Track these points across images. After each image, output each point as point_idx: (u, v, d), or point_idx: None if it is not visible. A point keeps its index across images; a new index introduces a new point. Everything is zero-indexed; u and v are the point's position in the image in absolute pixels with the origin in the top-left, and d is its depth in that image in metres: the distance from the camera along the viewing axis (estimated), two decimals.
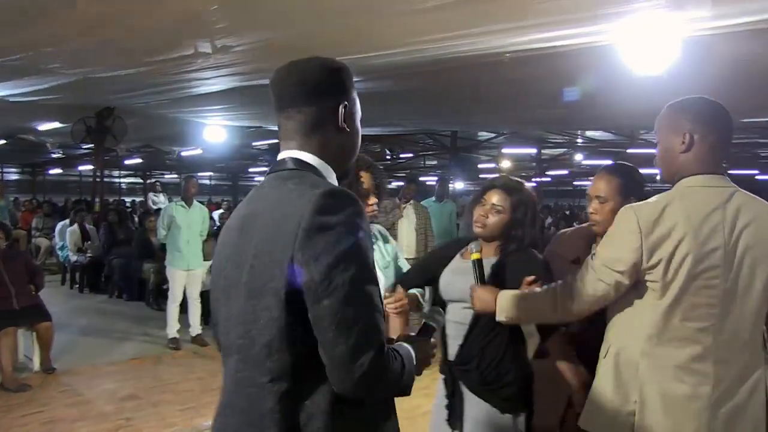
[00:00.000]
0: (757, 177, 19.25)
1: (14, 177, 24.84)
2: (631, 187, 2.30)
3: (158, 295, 8.24)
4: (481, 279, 2.14)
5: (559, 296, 1.93)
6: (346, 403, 1.25)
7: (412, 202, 7.05)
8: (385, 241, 2.56)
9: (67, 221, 10.21)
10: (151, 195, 14.76)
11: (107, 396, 4.84)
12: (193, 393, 4.97)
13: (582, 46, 4.75)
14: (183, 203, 6.51)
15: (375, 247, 2.41)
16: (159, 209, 13.57)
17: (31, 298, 5.45)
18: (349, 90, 1.47)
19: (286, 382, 1.26)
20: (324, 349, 1.21)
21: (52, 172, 22.94)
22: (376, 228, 2.55)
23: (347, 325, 1.19)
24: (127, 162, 19.08)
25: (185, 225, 6.38)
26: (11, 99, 8.07)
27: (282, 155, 1.44)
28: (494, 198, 2.31)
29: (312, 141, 1.42)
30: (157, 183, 15.30)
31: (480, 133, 14.62)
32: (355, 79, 4.97)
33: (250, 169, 24.19)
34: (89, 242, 9.74)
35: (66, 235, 9.83)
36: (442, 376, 2.37)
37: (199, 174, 25.84)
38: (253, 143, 14.59)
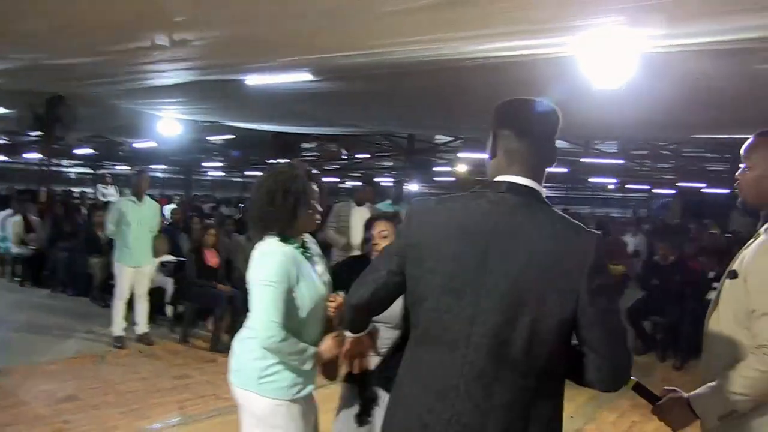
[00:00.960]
0: (702, 189, 19.85)
1: None
2: None
3: (104, 291, 7.99)
4: (653, 399, 1.96)
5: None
6: (559, 401, 1.63)
7: (367, 205, 6.98)
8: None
9: (10, 211, 9.82)
10: (100, 187, 14.34)
11: (45, 397, 4.64)
12: (136, 394, 4.81)
13: (544, 57, 4.81)
14: (133, 198, 6.29)
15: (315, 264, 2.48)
16: (108, 202, 13.27)
17: None
18: None
19: (533, 378, 1.54)
20: (601, 356, 1.55)
21: None
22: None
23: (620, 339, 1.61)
24: (77, 151, 18.52)
25: (135, 221, 6.17)
26: None
27: (525, 181, 1.64)
28: (381, 226, 2.80)
29: (538, 171, 1.68)
30: (107, 175, 14.87)
31: (437, 137, 14.68)
32: (313, 78, 4.89)
33: (204, 164, 23.77)
34: (33, 234, 9.38)
35: (8, 225, 9.45)
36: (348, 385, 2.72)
37: (152, 167, 25.23)
38: (208, 138, 14.34)
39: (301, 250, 2.41)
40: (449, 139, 14.44)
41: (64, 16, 4.43)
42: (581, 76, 4.99)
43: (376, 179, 18.46)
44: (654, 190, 24.69)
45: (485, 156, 1.76)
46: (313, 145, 16.93)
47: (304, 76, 6.30)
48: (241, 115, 10.06)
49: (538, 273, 1.53)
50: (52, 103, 9.16)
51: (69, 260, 8.62)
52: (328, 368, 2.42)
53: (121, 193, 15.65)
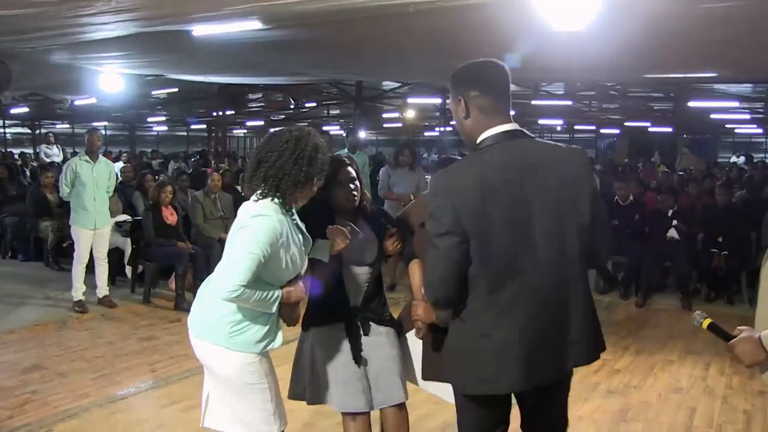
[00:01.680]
0: (649, 128, 20.30)
1: None
2: None
3: (58, 254, 7.78)
4: (727, 337, 2.03)
5: None
6: None
7: None
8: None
9: None
10: (43, 147, 13.79)
11: (8, 368, 4.51)
12: (104, 359, 4.73)
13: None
14: (87, 158, 6.03)
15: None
16: (53, 162, 12.78)
17: None
18: None
19: (584, 266, 2.04)
20: (604, 236, 2.10)
21: None
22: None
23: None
24: (12, 111, 17.67)
25: (91, 182, 5.95)
26: None
27: (512, 126, 1.99)
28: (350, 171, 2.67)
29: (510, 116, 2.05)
30: (50, 134, 14.29)
31: (384, 83, 14.54)
32: (260, 27, 4.73)
33: (149, 119, 23.06)
34: None
35: None
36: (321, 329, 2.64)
37: (95, 124, 24.35)
38: (153, 92, 13.85)
39: (293, 219, 2.36)
40: (397, 85, 14.31)
41: None
42: (539, 18, 4.97)
43: (324, 128, 18.31)
44: (601, 130, 25.07)
45: (454, 120, 2.10)
46: (259, 95, 16.58)
47: (253, 25, 6.09)
48: (188, 67, 9.71)
49: (568, 186, 1.95)
50: None
51: (18, 225, 8.31)
52: (290, 311, 2.37)
53: (65, 153, 15.15)
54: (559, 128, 25.41)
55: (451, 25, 5.92)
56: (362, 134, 17.29)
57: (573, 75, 10.43)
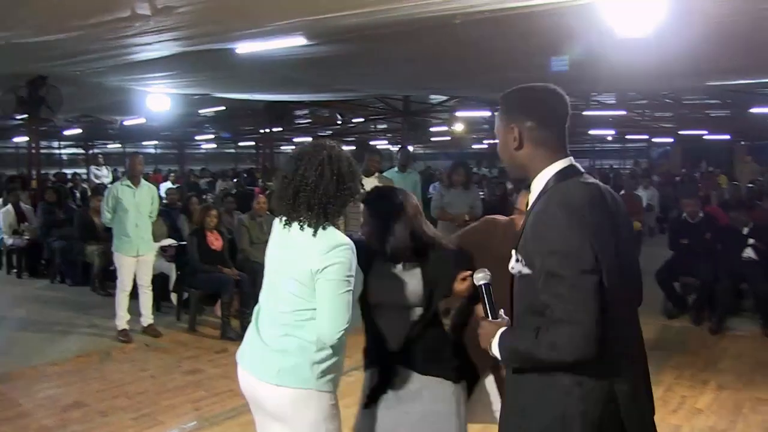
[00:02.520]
0: (703, 137, 19.50)
1: None
2: None
3: (104, 278, 7.68)
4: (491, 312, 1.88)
5: None
6: None
7: (376, 175, 6.58)
8: None
9: (0, 201, 9.43)
10: (93, 169, 13.97)
11: (49, 405, 4.34)
12: (147, 395, 4.51)
13: (560, 6, 4.44)
14: (129, 183, 5.89)
15: None
16: (102, 184, 12.88)
17: None
18: None
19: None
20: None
21: None
22: None
23: None
24: (66, 132, 18.03)
25: (133, 207, 5.79)
26: None
27: (569, 162, 1.78)
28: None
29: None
30: (99, 156, 14.47)
31: (432, 97, 14.25)
32: (305, 43, 4.51)
33: (197, 137, 23.28)
34: (26, 224, 9.00)
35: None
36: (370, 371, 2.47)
37: (144, 143, 24.81)
38: (199, 110, 13.88)
39: None
40: (444, 98, 14.00)
41: None
42: (600, 25, 4.63)
43: (372, 142, 18.11)
44: (653, 139, 24.22)
45: (500, 146, 1.84)
46: (305, 112, 16.51)
47: (297, 41, 5.90)
48: (232, 85, 9.63)
49: (628, 232, 1.83)
50: (34, 85, 8.80)
51: (65, 249, 8.26)
52: None
53: (115, 173, 15.31)
54: (609, 137, 24.69)
55: (499, 35, 5.66)
56: (411, 148, 17.08)
57: (631, 84, 9.94)
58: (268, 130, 15.53)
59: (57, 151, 24.58)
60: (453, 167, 7.05)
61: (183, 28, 5.20)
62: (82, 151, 24.19)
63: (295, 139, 23.50)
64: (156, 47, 6.18)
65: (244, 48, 6.14)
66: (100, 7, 4.51)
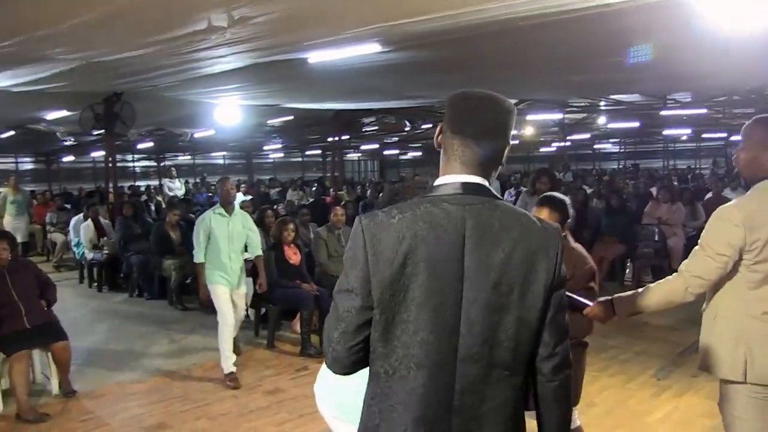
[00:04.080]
0: None
1: (29, 166, 24.35)
2: None
3: (181, 292, 7.71)
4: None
5: None
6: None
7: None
8: None
9: (81, 216, 9.64)
10: (166, 181, 14.22)
11: (134, 425, 4.28)
12: (229, 417, 4.39)
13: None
14: (222, 210, 5.26)
15: None
16: (175, 196, 13.09)
17: (43, 315, 4.89)
18: None
19: (519, 376, 1.54)
20: (560, 342, 1.55)
21: (65, 159, 22.40)
22: None
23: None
24: (139, 146, 18.53)
25: (225, 238, 5.20)
26: (14, 89, 7.51)
27: (473, 179, 1.55)
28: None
29: (490, 171, 1.61)
30: (172, 168, 14.73)
31: None
32: (379, 50, 4.31)
33: (265, 147, 23.55)
34: (105, 239, 9.16)
35: (80, 231, 9.27)
36: None
37: (213, 154, 25.31)
38: (268, 121, 13.96)
39: None
40: (514, 101, 13.62)
41: (110, 6, 3.96)
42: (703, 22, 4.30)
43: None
44: (731, 138, 22.95)
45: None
46: (372, 119, 16.42)
47: (372, 48, 5.74)
48: (303, 95, 9.59)
49: (516, 270, 1.48)
50: (110, 102, 9.05)
51: (143, 263, 8.35)
52: None
53: (186, 185, 15.55)
54: (684, 137, 23.62)
55: (569, 36, 5.40)
56: None
57: (716, 82, 9.37)
58: (336, 138, 15.46)
59: (130, 164, 25.33)
60: (537, 174, 6.66)
61: (257, 39, 5.12)
62: (153, 164, 24.89)
63: (362, 147, 23.46)
64: (229, 59, 6.14)
65: (317, 57, 6.03)
66: (178, 21, 4.45)
